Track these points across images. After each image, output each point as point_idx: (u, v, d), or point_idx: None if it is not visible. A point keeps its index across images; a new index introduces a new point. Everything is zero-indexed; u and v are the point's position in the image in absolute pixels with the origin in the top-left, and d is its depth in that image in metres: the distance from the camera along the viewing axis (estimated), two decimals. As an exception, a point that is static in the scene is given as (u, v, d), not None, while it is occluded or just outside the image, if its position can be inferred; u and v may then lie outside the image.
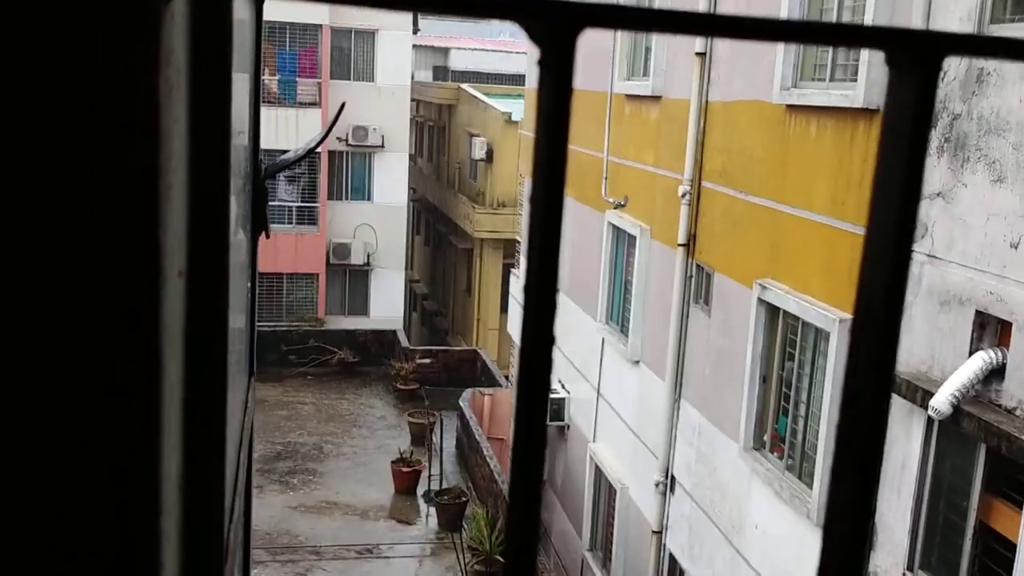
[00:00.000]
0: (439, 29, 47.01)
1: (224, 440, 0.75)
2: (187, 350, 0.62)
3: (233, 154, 1.35)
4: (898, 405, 7.23)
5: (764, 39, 0.51)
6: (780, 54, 8.96)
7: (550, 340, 0.51)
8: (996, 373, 6.32)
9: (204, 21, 0.61)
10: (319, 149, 26.41)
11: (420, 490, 18.62)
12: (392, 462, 18.80)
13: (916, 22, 7.07)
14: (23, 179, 0.44)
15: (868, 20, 7.67)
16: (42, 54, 0.44)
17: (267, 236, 1.63)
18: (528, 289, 0.50)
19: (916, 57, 0.51)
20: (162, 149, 0.45)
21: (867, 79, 7.64)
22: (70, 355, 0.45)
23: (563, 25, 0.47)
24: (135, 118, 0.43)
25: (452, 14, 0.50)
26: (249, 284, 1.54)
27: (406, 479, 18.56)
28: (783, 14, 8.93)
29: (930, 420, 6.79)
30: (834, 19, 8.45)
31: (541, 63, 0.49)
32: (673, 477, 11.48)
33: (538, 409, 0.51)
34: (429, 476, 18.46)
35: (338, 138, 27.09)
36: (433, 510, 17.74)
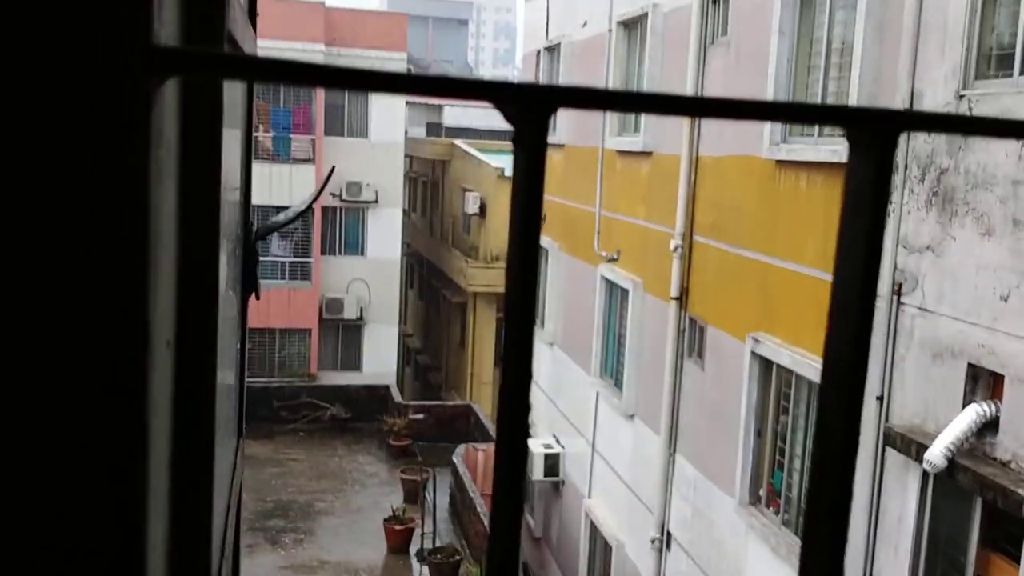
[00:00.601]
0: (432, 86, 47.47)
1: (211, 510, 0.75)
2: (175, 419, 0.63)
3: (224, 216, 1.37)
4: (893, 459, 7.21)
5: (728, 118, 0.53)
6: (768, 110, 9.08)
7: (526, 409, 0.53)
8: (990, 426, 6.31)
9: (195, 102, 0.63)
10: (312, 205, 26.54)
11: (413, 548, 18.38)
12: (384, 520, 18.59)
13: (902, 80, 7.19)
14: (10, 255, 0.46)
15: (855, 77, 7.80)
16: (34, 134, 0.46)
17: (257, 297, 1.65)
18: (505, 367, 0.51)
19: (874, 134, 0.53)
20: (151, 226, 0.47)
21: (854, 134, 7.74)
22: (55, 429, 0.46)
23: (535, 107, 0.49)
24: (124, 198, 0.45)
25: (430, 96, 0.52)
26: (239, 345, 1.55)
27: (399, 537, 18.34)
28: (770, 82, 9.07)
29: (925, 474, 6.77)
30: (821, 79, 8.59)
31: (514, 141, 0.51)
32: (669, 533, 11.38)
33: (517, 465, 0.52)
34: (422, 534, 18.24)
35: (332, 194, 27.22)
36: (426, 569, 17.50)
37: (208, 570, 0.78)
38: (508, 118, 0.51)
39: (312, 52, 26.59)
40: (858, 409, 0.57)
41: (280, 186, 26.15)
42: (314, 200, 2.97)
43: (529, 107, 0.49)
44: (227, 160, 1.37)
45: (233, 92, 1.49)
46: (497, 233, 26.46)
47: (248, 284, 1.53)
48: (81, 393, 0.47)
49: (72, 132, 0.45)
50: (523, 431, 0.54)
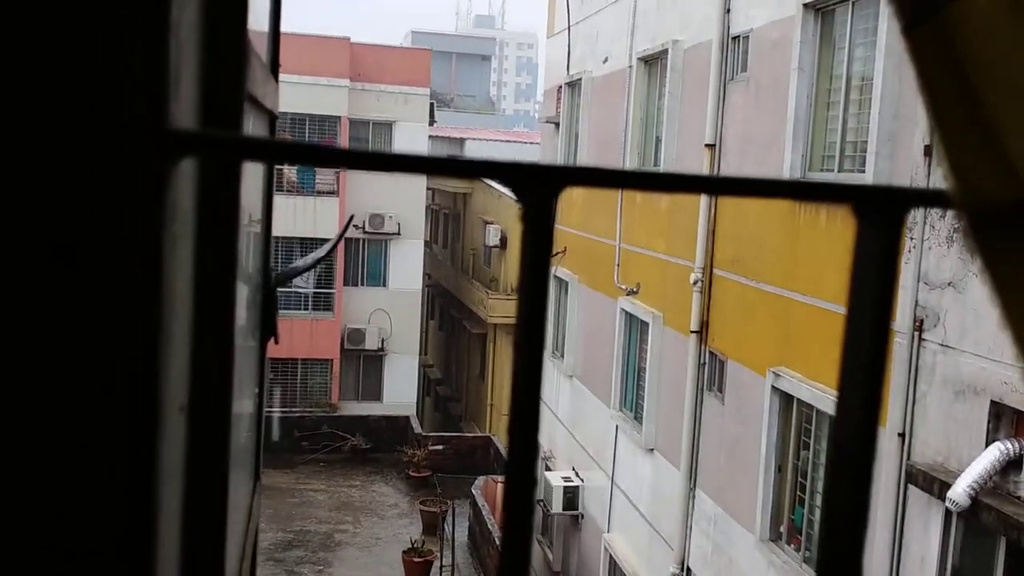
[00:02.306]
0: (456, 120, 47.91)
1: (223, 569, 0.76)
2: (187, 482, 0.64)
3: (247, 261, 1.38)
4: (915, 496, 7.12)
5: (734, 195, 0.54)
6: (789, 143, 9.09)
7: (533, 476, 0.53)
8: (1014, 464, 6.23)
9: (213, 178, 0.64)
10: (331, 252, 26.69)
11: (432, 581, 18.27)
12: (403, 552, 18.51)
13: (922, 117, 7.17)
14: (23, 320, 0.47)
15: (874, 113, 7.79)
16: (50, 212, 0.47)
17: (276, 342, 1.66)
18: (511, 435, 0.52)
19: (880, 211, 0.53)
20: (164, 300, 0.48)
21: (875, 168, 7.73)
22: (64, 504, 0.47)
23: (542, 185, 0.50)
24: (136, 274, 0.46)
25: (441, 176, 0.53)
26: (257, 389, 1.56)
27: (418, 569, 18.24)
28: (789, 119, 9.08)
29: (948, 512, 6.68)
30: (840, 115, 8.59)
31: (523, 219, 0.52)
32: (689, 569, 11.26)
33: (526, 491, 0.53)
34: (441, 567, 18.14)
35: (355, 226, 27.39)
36: (445, 602, 17.39)
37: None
38: (518, 196, 0.52)
39: (337, 87, 26.87)
40: (868, 483, 0.57)
41: (304, 218, 26.35)
42: (333, 247, 3.00)
43: (536, 187, 0.50)
44: (249, 204, 1.38)
45: (260, 129, 1.51)
46: (517, 265, 26.48)
47: (267, 328, 1.54)
48: (90, 465, 0.48)
49: (85, 213, 0.47)
50: (531, 483, 0.54)
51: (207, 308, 0.67)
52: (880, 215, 0.53)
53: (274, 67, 1.48)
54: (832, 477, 0.56)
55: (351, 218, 4.67)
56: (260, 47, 1.37)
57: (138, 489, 0.48)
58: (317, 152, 0.46)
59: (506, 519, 0.52)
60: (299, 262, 3.39)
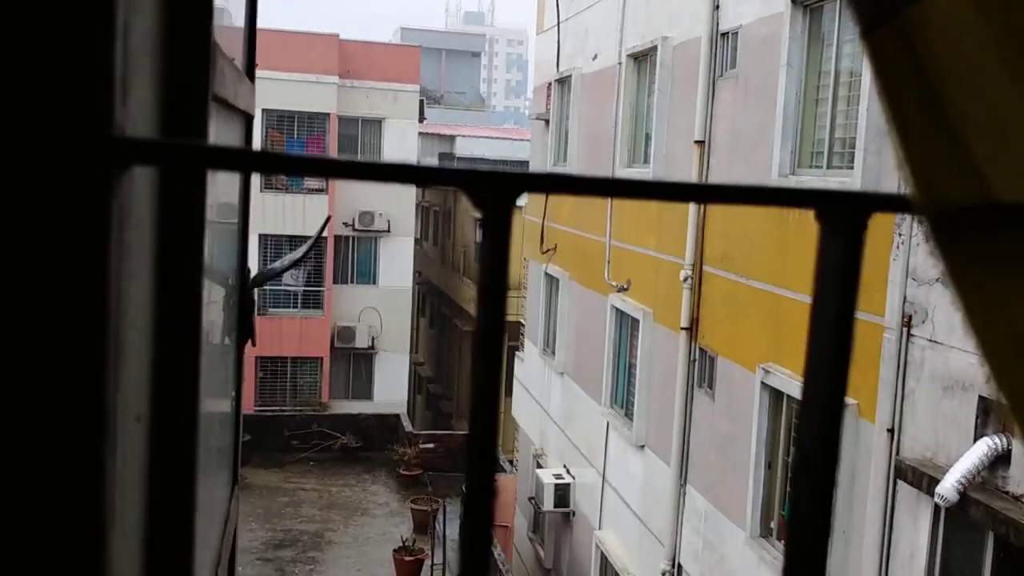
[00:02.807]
0: (445, 117, 47.85)
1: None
2: (150, 492, 0.63)
3: (221, 263, 1.37)
4: (904, 492, 7.15)
5: (694, 200, 0.53)
6: (778, 140, 9.10)
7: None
8: (1002, 459, 6.25)
9: (175, 184, 0.63)
10: (325, 235, 26.66)
11: (423, 579, 18.28)
12: (394, 550, 18.50)
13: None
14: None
15: (863, 108, 7.81)
16: None
17: (253, 344, 1.65)
18: (471, 443, 0.51)
19: (843, 216, 0.53)
20: (112, 309, 0.47)
21: (863, 166, 7.74)
22: (7, 510, 0.46)
23: (500, 192, 0.49)
24: (81, 282, 0.46)
25: (402, 183, 0.52)
26: (234, 393, 1.55)
27: (408, 568, 18.24)
28: (778, 115, 9.10)
29: (937, 507, 6.70)
30: (829, 111, 8.60)
31: (481, 225, 0.51)
32: (680, 565, 11.28)
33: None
34: (432, 565, 18.15)
35: (344, 223, 27.36)
36: (436, 599, 17.39)
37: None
38: (475, 203, 0.52)
39: (326, 84, 26.82)
40: (831, 488, 0.57)
41: (293, 216, 26.30)
42: (310, 249, 2.99)
43: (493, 194, 0.50)
44: (223, 204, 1.37)
45: (231, 131, 1.50)
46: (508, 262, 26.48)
47: (244, 331, 1.53)
48: (35, 477, 0.47)
49: (27, 221, 0.46)
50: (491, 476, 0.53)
51: (170, 316, 0.66)
52: (843, 220, 0.52)
53: (250, 68, 1.47)
54: (796, 482, 0.55)
55: (328, 219, 4.65)
56: (235, 48, 1.35)
57: (86, 502, 0.47)
58: (265, 159, 0.45)
59: (465, 528, 0.51)
60: (276, 264, 3.39)
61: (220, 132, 1.09)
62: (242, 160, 0.46)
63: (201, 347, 0.74)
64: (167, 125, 0.68)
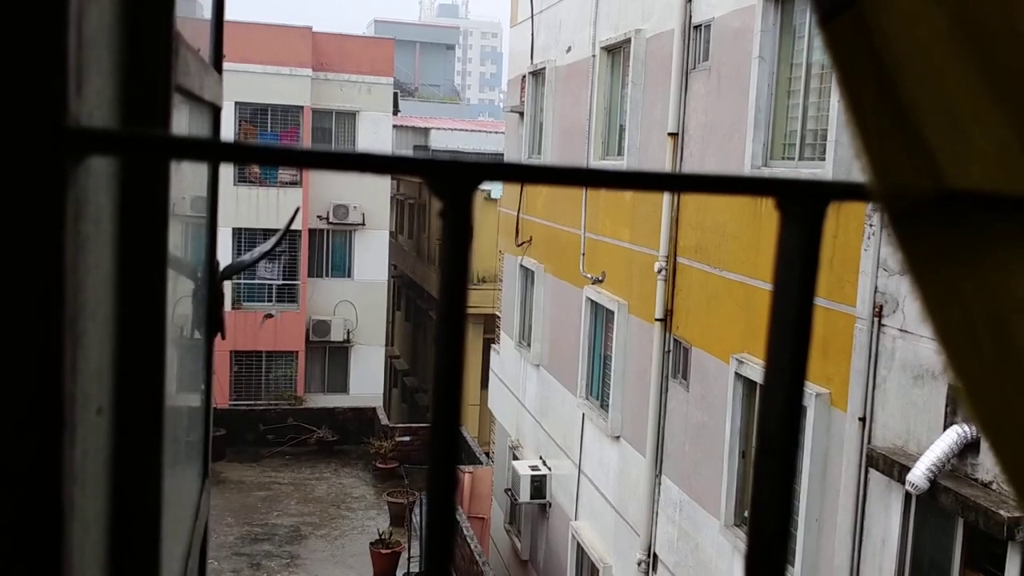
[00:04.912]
0: (420, 110, 47.72)
1: (158, 567, 0.75)
2: (114, 484, 0.63)
3: (189, 254, 1.36)
4: (876, 480, 7.22)
5: (658, 190, 0.53)
6: (750, 132, 9.15)
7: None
8: (971, 447, 6.33)
9: (135, 175, 0.63)
10: (299, 228, 26.53)
11: (400, 572, 18.27)
12: (371, 544, 18.48)
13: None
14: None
15: (834, 100, 7.86)
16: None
17: (223, 337, 1.64)
18: (433, 436, 0.51)
19: (802, 204, 0.53)
20: (67, 300, 0.47)
21: (835, 157, 7.80)
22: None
23: (459, 181, 0.49)
24: (33, 274, 0.45)
25: (364, 172, 0.52)
26: (204, 386, 1.54)
27: (385, 561, 18.23)
28: (750, 106, 9.14)
29: (908, 495, 6.78)
30: (801, 102, 8.65)
31: (441, 215, 0.51)
32: (655, 555, 11.35)
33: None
34: (409, 557, 18.15)
35: (319, 216, 27.24)
36: (413, 592, 17.39)
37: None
38: (435, 192, 0.52)
39: (300, 76, 26.66)
40: (791, 473, 0.57)
41: (267, 209, 26.15)
42: (278, 242, 2.98)
43: (453, 183, 0.50)
44: (191, 195, 1.36)
45: (198, 122, 1.49)
46: (483, 255, 26.50)
47: (213, 324, 1.52)
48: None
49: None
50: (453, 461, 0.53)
51: (133, 308, 0.65)
52: (802, 208, 0.53)
53: (217, 59, 1.46)
54: (756, 470, 0.56)
55: (296, 210, 4.63)
56: (201, 39, 1.34)
57: (43, 493, 0.47)
58: (222, 148, 0.45)
59: (429, 522, 0.51)
60: (245, 256, 3.38)
61: (185, 124, 1.09)
62: (198, 149, 0.46)
63: (166, 339, 0.74)
64: (128, 116, 0.67)
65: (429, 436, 0.53)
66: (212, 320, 1.48)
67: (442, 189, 0.49)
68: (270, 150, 0.46)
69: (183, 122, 1.03)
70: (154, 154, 0.42)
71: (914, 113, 0.50)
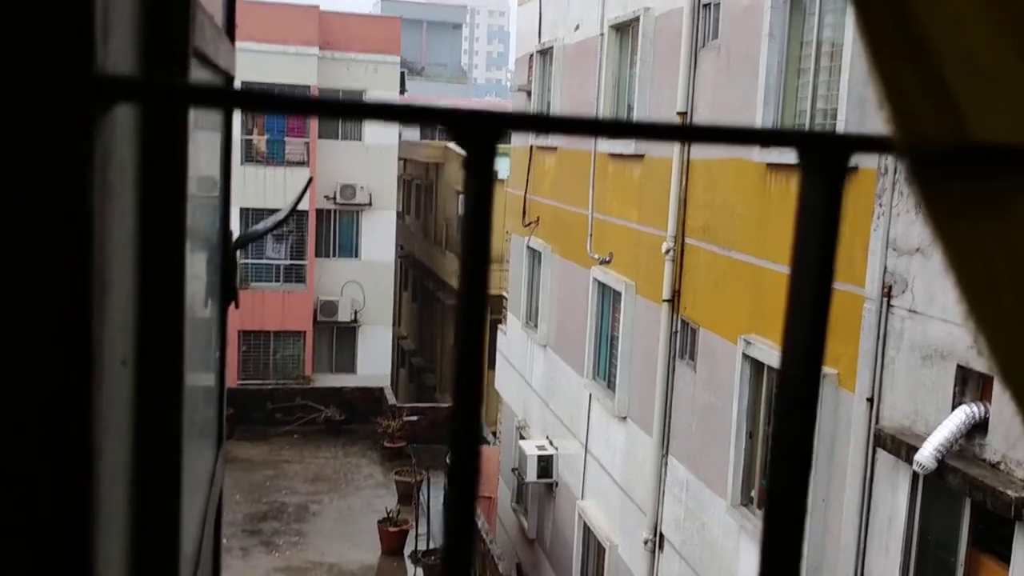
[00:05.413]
0: (427, 89, 47.57)
1: (178, 525, 0.76)
2: (136, 435, 0.64)
3: (203, 224, 1.37)
4: (883, 460, 7.23)
5: (676, 140, 0.53)
6: (760, 110, 9.10)
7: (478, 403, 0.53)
8: (979, 427, 6.33)
9: (156, 126, 0.63)
10: (306, 208, 26.53)
11: (407, 550, 18.39)
12: (379, 522, 18.59)
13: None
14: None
15: (844, 79, 7.82)
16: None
17: (236, 306, 1.65)
18: (457, 380, 0.52)
19: (824, 157, 0.53)
20: (95, 249, 0.47)
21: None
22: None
23: (483, 131, 0.49)
24: (63, 221, 0.46)
25: (385, 121, 0.52)
26: (218, 353, 1.55)
27: (393, 539, 18.34)
28: (760, 85, 9.09)
29: (915, 475, 6.79)
30: (811, 81, 8.61)
31: (465, 165, 0.52)
32: (662, 534, 11.39)
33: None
34: (416, 536, 18.25)
35: (326, 196, 27.23)
36: (420, 571, 17.50)
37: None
38: (459, 143, 0.52)
39: (306, 56, 26.60)
40: (811, 425, 0.57)
41: (275, 189, 26.15)
42: (292, 211, 2.98)
43: (478, 133, 0.50)
44: (204, 166, 1.37)
45: (209, 121, 1.49)
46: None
47: (227, 292, 1.53)
48: (22, 406, 0.47)
49: (9, 157, 0.46)
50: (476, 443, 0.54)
51: (153, 258, 0.66)
52: (824, 161, 0.53)
53: (229, 28, 1.46)
54: (777, 422, 0.56)
55: (310, 179, 4.64)
56: (214, 8, 1.34)
57: (72, 434, 0.48)
58: (245, 97, 0.45)
59: (451, 491, 0.51)
60: (258, 225, 3.38)
61: (203, 74, 1.09)
62: (222, 98, 0.46)
63: (185, 293, 0.75)
64: (148, 73, 0.67)
65: (452, 385, 0.54)
66: (226, 288, 1.49)
67: (466, 139, 0.49)
68: (288, 99, 0.46)
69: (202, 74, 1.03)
70: (176, 101, 0.42)
71: (937, 62, 0.50)
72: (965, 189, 0.52)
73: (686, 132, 0.53)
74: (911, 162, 0.53)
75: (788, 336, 0.56)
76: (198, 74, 0.92)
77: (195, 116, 0.96)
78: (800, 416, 0.54)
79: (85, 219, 0.46)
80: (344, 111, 0.50)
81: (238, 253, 1.72)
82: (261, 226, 3.23)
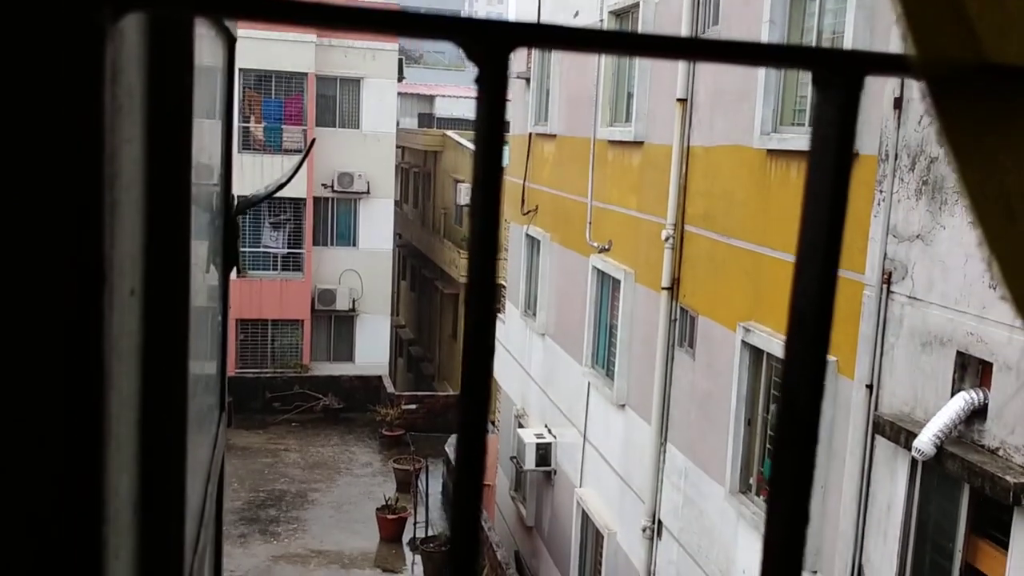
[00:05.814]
0: (425, 77, 47.46)
1: (184, 454, 0.75)
2: (144, 366, 0.63)
3: (204, 190, 1.36)
4: (882, 446, 7.24)
5: (694, 58, 0.53)
6: (760, 98, 9.09)
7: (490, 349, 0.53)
8: (978, 413, 6.34)
9: (162, 43, 0.62)
10: (304, 196, 26.49)
11: (406, 537, 18.42)
12: (377, 509, 18.62)
13: (887, 94, 7.18)
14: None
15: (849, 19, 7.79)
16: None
17: (239, 272, 1.64)
18: (469, 302, 0.51)
19: (839, 75, 0.53)
20: (106, 165, 0.47)
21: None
22: (6, 363, 0.46)
23: (496, 44, 0.49)
24: (75, 134, 0.45)
25: (392, 34, 0.52)
26: (220, 318, 1.55)
27: (391, 527, 18.37)
28: (760, 71, 9.06)
29: (914, 461, 6.80)
30: (815, 34, 8.58)
31: (477, 80, 0.51)
32: (660, 522, 11.42)
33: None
34: (415, 523, 18.29)
35: (323, 184, 27.19)
36: (419, 558, 17.54)
37: (181, 525, 0.77)
38: (470, 56, 0.51)
39: (304, 42, 26.52)
40: (822, 367, 0.57)
41: (272, 176, 26.05)
42: (294, 173, 2.97)
43: (491, 44, 0.49)
44: (207, 133, 1.36)
45: (213, 59, 1.49)
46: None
47: (230, 257, 1.53)
48: (34, 328, 0.47)
49: (20, 66, 0.45)
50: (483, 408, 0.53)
51: (159, 180, 0.65)
52: (837, 77, 0.52)
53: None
54: (788, 350, 0.56)
55: (312, 141, 4.60)
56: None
57: (83, 354, 0.47)
58: (253, 3, 0.45)
59: (459, 473, 0.50)
60: (259, 190, 3.37)
61: (204, 48, 1.08)
62: (226, 5, 0.45)
63: (191, 221, 0.74)
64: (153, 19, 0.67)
65: (466, 313, 0.53)
66: (228, 253, 1.48)
67: (478, 52, 0.49)
68: (294, 5, 0.45)
69: (201, 47, 1.02)
70: (185, 8, 0.42)
71: None
72: (981, 109, 0.52)
73: (701, 47, 0.53)
74: (927, 82, 0.53)
75: (800, 270, 0.56)
76: (202, 35, 0.91)
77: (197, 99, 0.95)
78: (812, 361, 0.53)
79: (96, 128, 0.45)
80: (352, 20, 0.49)
81: (239, 220, 1.72)
82: (263, 190, 3.22)
